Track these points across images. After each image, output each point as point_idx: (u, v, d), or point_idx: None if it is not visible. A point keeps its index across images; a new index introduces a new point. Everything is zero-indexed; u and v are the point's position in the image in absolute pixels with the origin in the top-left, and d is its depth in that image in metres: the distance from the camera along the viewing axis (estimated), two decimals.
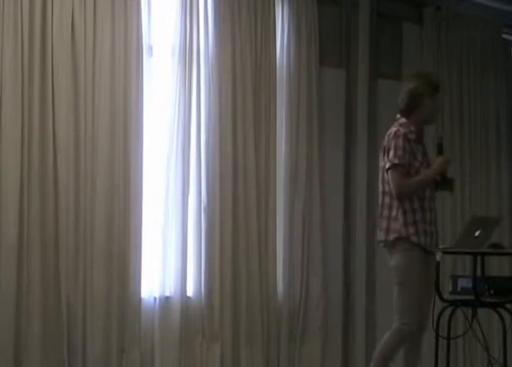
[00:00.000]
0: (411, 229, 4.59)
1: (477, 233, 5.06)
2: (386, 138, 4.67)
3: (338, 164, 6.55)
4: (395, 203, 4.62)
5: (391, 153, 4.57)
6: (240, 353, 5.78)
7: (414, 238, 4.60)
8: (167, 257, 5.53)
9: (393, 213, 4.62)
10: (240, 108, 5.90)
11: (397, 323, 4.61)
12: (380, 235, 4.69)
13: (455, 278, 5.47)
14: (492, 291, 5.20)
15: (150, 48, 5.62)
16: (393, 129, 4.65)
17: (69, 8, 5.24)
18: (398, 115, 4.76)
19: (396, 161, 4.56)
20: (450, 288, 5.42)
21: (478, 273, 5.18)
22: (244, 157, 5.89)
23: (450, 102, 7.17)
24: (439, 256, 5.03)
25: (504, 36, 7.64)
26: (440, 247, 5.16)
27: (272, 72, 6.11)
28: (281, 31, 6.24)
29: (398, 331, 4.60)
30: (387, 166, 4.59)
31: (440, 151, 4.78)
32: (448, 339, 5.43)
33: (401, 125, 4.67)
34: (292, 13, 6.27)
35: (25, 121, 5.08)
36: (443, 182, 4.78)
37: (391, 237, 4.61)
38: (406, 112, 4.72)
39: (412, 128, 4.66)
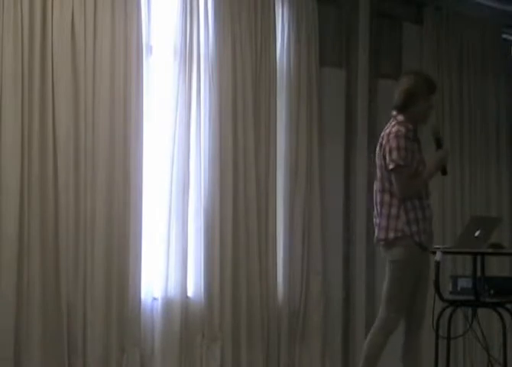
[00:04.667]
0: (414, 228, 4.56)
1: (477, 233, 5.07)
2: (385, 137, 4.62)
3: (338, 164, 6.55)
4: (395, 202, 4.59)
5: (395, 154, 4.54)
6: (240, 353, 5.78)
7: (416, 238, 4.57)
8: (167, 257, 5.53)
9: (394, 211, 4.58)
10: (240, 108, 5.90)
11: (382, 318, 4.59)
12: (381, 234, 4.63)
13: (455, 278, 5.48)
14: (492, 291, 5.21)
15: (150, 48, 5.62)
16: (393, 129, 4.62)
17: (69, 8, 5.23)
18: (394, 112, 4.73)
19: (402, 163, 4.53)
20: (450, 288, 5.43)
21: (478, 273, 5.18)
22: (244, 157, 5.89)
23: (450, 102, 7.17)
24: (439, 256, 5.03)
25: (504, 36, 7.65)
26: (440, 247, 5.18)
27: (272, 72, 6.11)
28: (281, 31, 6.24)
29: (383, 327, 4.59)
30: (391, 166, 4.55)
31: (439, 145, 4.76)
32: (448, 339, 5.44)
33: (399, 123, 4.64)
34: (292, 13, 6.27)
35: (25, 121, 5.07)
36: (441, 172, 4.78)
37: (392, 235, 4.58)
38: (402, 109, 4.69)
39: (409, 126, 4.65)
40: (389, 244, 4.61)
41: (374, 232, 4.68)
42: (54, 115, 5.17)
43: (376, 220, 4.68)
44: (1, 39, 5.01)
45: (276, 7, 6.19)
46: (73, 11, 5.24)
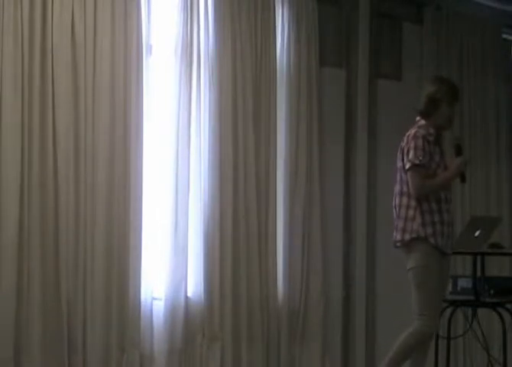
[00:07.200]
0: (429, 230, 4.57)
1: (477, 233, 5.08)
2: (405, 139, 4.67)
3: (338, 164, 6.55)
4: (413, 204, 4.61)
5: (411, 153, 4.57)
6: (240, 353, 5.77)
7: (432, 240, 4.58)
8: (167, 257, 5.53)
9: (411, 213, 4.60)
10: (240, 108, 5.89)
11: (418, 325, 4.56)
12: (397, 236, 4.66)
13: (455, 278, 5.48)
14: (492, 291, 5.21)
15: (150, 47, 5.62)
16: (412, 131, 4.67)
17: (69, 8, 5.23)
18: (418, 118, 4.78)
19: (417, 162, 4.56)
20: (450, 288, 5.43)
21: (478, 273, 5.19)
22: (244, 157, 5.89)
23: None
24: None
25: (504, 36, 7.65)
26: None
27: (272, 72, 6.11)
28: (281, 31, 6.23)
29: (418, 333, 4.56)
30: (407, 166, 4.59)
31: (459, 152, 4.78)
32: (448, 339, 5.44)
33: (420, 126, 4.69)
34: (292, 13, 6.27)
35: (25, 121, 5.07)
36: (460, 179, 4.81)
37: (408, 237, 4.59)
38: (424, 114, 4.73)
39: (430, 130, 4.68)
40: (406, 247, 4.62)
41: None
42: (54, 114, 5.17)
43: (395, 223, 4.71)
44: (1, 39, 5.01)
45: (276, 7, 6.19)
46: (73, 11, 5.24)
